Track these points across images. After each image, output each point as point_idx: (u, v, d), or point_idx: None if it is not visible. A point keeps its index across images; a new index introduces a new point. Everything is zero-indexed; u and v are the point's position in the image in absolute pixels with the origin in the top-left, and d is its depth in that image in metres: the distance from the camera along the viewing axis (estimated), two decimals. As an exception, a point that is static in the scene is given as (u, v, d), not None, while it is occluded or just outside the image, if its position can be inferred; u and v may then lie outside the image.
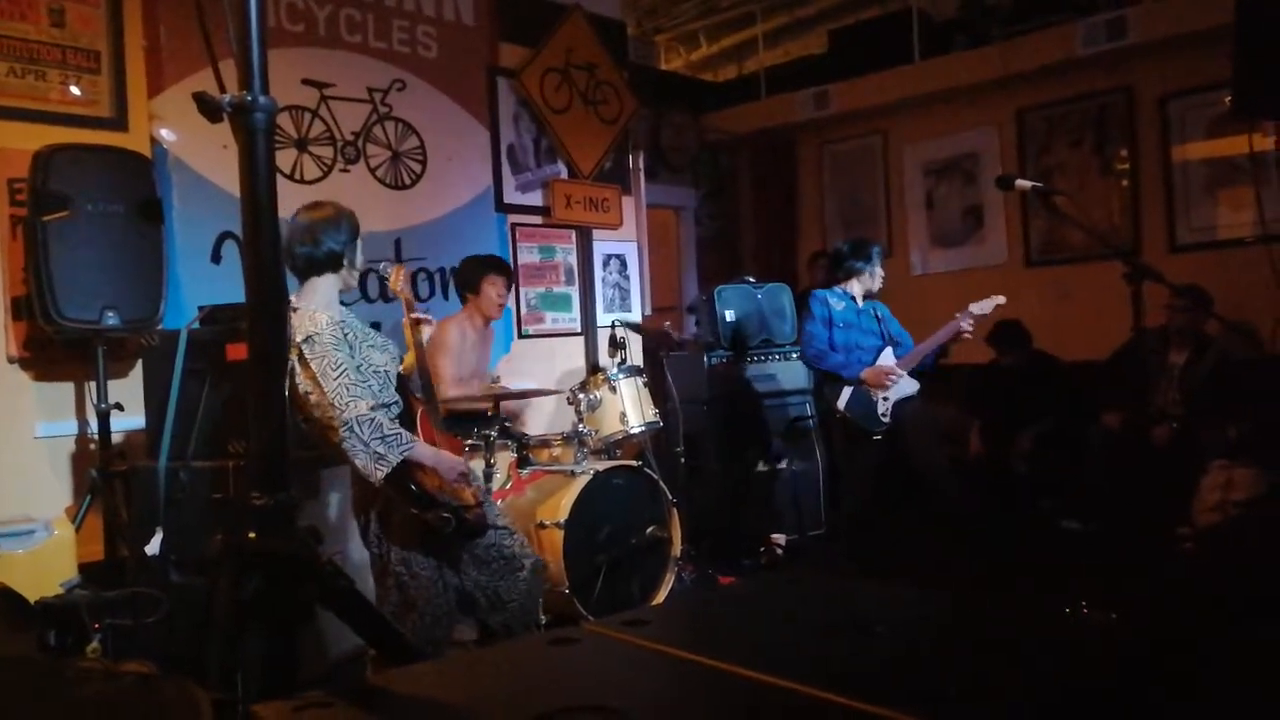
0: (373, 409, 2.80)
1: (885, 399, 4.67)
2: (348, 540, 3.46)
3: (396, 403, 3.00)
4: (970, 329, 4.60)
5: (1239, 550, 4.16)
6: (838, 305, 4.80)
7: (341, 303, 3.07)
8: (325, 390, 2.79)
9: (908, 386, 4.73)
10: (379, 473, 2.80)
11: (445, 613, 3.09)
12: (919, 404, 4.79)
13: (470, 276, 4.48)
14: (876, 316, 4.89)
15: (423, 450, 2.92)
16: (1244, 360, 5.00)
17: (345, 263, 2.98)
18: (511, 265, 5.17)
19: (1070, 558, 4.73)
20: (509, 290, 4.58)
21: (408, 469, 2.86)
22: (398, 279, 3.32)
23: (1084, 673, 1.17)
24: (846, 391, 4.69)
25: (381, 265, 3.39)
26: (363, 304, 4.77)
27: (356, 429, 2.76)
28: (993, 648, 1.28)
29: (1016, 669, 1.19)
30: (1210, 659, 1.18)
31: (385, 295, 4.95)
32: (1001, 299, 4.61)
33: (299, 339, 2.81)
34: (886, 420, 4.67)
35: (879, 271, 4.87)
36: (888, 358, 4.73)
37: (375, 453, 2.78)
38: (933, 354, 4.73)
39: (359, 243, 3.03)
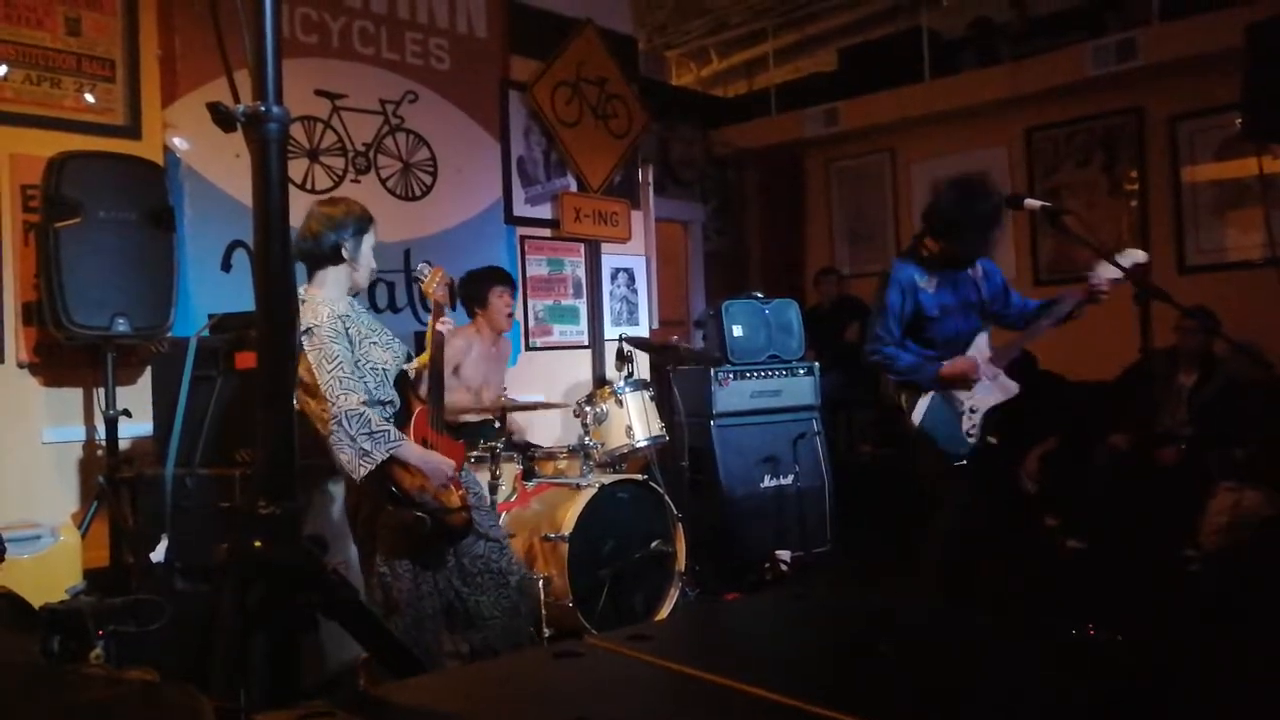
0: (364, 404, 2.80)
1: (972, 410, 3.62)
2: (352, 549, 3.46)
3: (392, 401, 3.00)
4: (1105, 288, 3.52)
5: (1248, 572, 4.14)
6: (929, 286, 3.64)
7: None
8: (319, 382, 2.79)
9: (1002, 390, 3.66)
10: (362, 469, 2.79)
11: (429, 616, 3.06)
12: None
13: (476, 291, 4.46)
14: (972, 274, 3.74)
15: (410, 450, 2.90)
16: (1252, 382, 4.99)
17: (346, 257, 2.97)
18: (517, 276, 5.15)
19: (1076, 577, 4.71)
20: (514, 300, 4.56)
21: (388, 467, 2.85)
22: (433, 281, 3.30)
23: (1088, 692, 1.17)
24: (924, 401, 3.64)
25: (420, 267, 3.37)
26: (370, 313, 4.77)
27: (345, 423, 2.76)
28: (996, 667, 1.27)
29: (1020, 687, 1.18)
30: (1214, 677, 1.18)
31: (395, 305, 4.97)
32: (1142, 255, 3.49)
33: (300, 330, 2.82)
34: (974, 438, 3.63)
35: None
36: (979, 350, 3.67)
37: (361, 449, 2.78)
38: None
39: (365, 240, 3.02)
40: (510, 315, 4.51)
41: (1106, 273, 3.49)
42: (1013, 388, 3.69)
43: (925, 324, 3.66)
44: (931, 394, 3.65)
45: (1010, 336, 3.80)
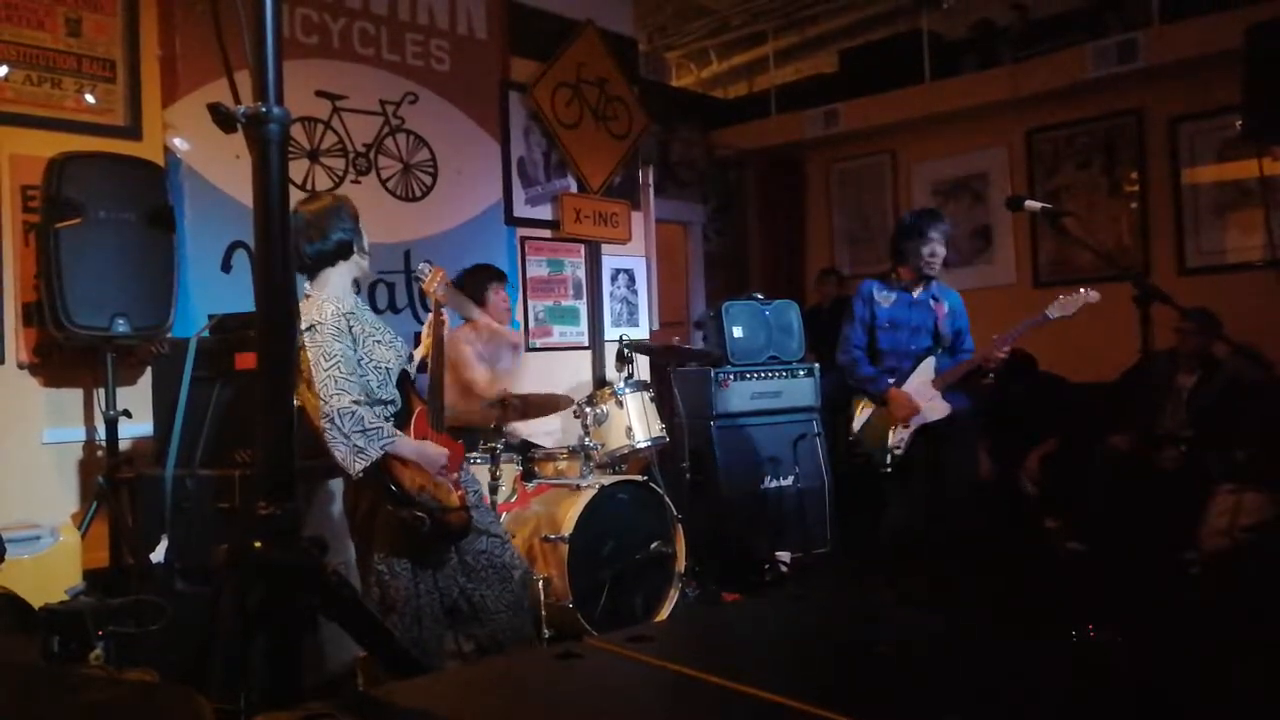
0: (356, 403, 2.81)
1: (905, 426, 4.16)
2: (351, 549, 3.46)
3: (394, 400, 3.00)
4: (1004, 355, 3.99)
5: (1247, 574, 4.13)
6: (885, 301, 4.22)
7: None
8: (315, 379, 2.81)
9: (934, 411, 4.12)
10: (357, 465, 2.81)
11: (427, 614, 3.06)
12: (963, 428, 4.18)
13: (473, 290, 4.48)
14: (934, 307, 4.22)
15: (404, 444, 2.91)
16: (1252, 383, 4.99)
17: (355, 249, 3.01)
18: (516, 277, 5.15)
19: (1076, 580, 4.70)
20: (512, 296, 4.58)
21: (388, 465, 2.86)
22: (434, 281, 3.31)
23: (1088, 695, 1.17)
24: (866, 412, 4.24)
25: (420, 267, 3.38)
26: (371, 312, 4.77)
27: (338, 421, 2.78)
28: (996, 668, 1.27)
29: (1019, 690, 1.18)
30: (1214, 678, 1.18)
31: (395, 306, 4.97)
32: (1094, 295, 3.87)
33: (304, 326, 2.83)
34: (899, 452, 4.14)
35: (931, 250, 4.15)
36: (925, 372, 4.16)
37: (355, 446, 2.79)
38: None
39: (360, 224, 3.05)
40: (509, 311, 4.52)
41: (1047, 317, 3.93)
42: (945, 408, 4.14)
43: (875, 332, 4.27)
44: (874, 408, 4.24)
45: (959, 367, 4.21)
